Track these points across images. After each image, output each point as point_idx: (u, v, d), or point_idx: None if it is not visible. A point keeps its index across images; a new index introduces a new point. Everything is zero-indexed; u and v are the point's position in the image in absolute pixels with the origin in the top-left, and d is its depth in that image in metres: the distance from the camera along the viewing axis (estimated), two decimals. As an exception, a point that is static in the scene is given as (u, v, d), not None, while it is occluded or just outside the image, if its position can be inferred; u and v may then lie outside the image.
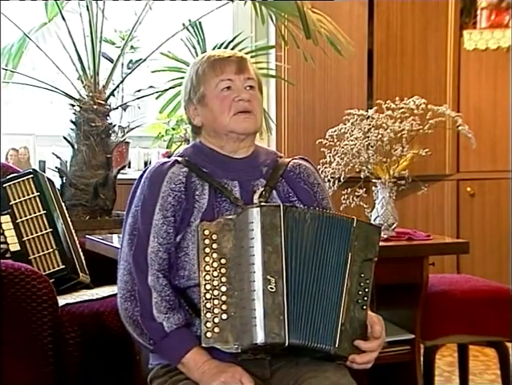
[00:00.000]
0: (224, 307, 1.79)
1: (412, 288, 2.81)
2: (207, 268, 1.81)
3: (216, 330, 1.78)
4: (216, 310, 1.79)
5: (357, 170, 2.89)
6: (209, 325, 1.78)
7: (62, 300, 2.66)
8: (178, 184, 1.92)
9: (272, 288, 1.76)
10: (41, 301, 2.51)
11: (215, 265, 1.81)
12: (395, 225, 2.90)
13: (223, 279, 1.80)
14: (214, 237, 1.82)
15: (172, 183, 1.92)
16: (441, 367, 3.81)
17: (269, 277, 1.77)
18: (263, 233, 1.79)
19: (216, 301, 1.79)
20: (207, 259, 1.81)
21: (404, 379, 2.84)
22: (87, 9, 3.75)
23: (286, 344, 1.75)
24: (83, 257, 3.01)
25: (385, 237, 2.77)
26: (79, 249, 3.03)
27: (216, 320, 1.78)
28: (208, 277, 1.80)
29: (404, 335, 2.79)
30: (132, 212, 1.94)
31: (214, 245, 1.82)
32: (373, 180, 2.90)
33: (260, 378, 1.85)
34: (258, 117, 1.98)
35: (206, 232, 1.82)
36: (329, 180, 2.84)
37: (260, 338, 1.74)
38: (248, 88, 1.97)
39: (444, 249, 3.09)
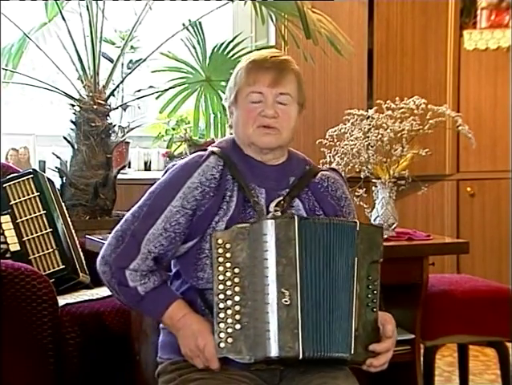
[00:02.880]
0: (237, 317, 1.77)
1: (412, 288, 2.81)
2: (220, 277, 1.78)
3: (229, 340, 1.76)
4: (229, 320, 1.77)
5: (357, 170, 2.89)
6: (222, 335, 1.76)
7: (62, 300, 2.66)
8: (210, 178, 1.89)
9: (286, 301, 1.74)
10: (41, 301, 2.51)
11: (228, 274, 1.78)
12: (395, 225, 2.90)
13: (236, 289, 1.77)
14: (228, 246, 1.79)
15: (204, 176, 1.88)
16: (441, 367, 3.81)
17: (283, 290, 1.74)
18: (277, 245, 1.76)
19: (229, 311, 1.77)
20: (220, 268, 1.78)
21: (404, 379, 2.84)
22: (87, 9, 3.75)
23: (300, 357, 1.74)
24: (83, 257, 3.01)
25: (385, 236, 2.75)
26: (79, 249, 3.03)
27: (229, 330, 1.76)
28: (221, 287, 1.78)
29: (404, 335, 2.79)
30: (152, 190, 1.91)
31: (228, 255, 1.78)
32: (373, 180, 2.90)
33: (269, 383, 1.85)
34: (283, 133, 1.91)
35: (220, 240, 1.79)
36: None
37: (274, 351, 1.73)
38: (278, 103, 1.91)
39: (444, 249, 3.09)
